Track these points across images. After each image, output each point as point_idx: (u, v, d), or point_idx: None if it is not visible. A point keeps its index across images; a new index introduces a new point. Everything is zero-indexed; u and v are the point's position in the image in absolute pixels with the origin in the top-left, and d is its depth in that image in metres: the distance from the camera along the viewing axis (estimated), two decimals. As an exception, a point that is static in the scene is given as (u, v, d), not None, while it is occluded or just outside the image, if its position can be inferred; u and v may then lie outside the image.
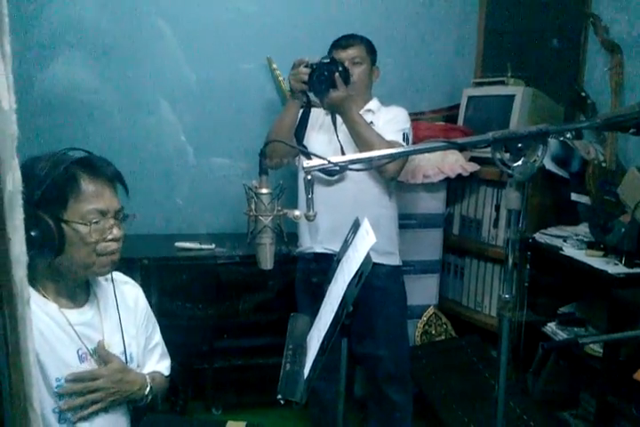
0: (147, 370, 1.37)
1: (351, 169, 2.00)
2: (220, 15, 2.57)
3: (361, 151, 2.00)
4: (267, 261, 1.18)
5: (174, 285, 2.36)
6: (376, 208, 2.08)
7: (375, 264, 2.02)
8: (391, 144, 2.00)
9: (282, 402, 1.00)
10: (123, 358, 1.28)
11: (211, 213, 2.60)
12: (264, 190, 1.15)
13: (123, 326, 1.27)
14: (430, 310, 2.60)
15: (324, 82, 1.95)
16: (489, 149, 2.62)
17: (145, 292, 2.30)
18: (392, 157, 1.16)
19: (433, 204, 2.57)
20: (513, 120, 2.48)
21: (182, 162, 2.59)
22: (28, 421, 0.60)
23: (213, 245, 2.39)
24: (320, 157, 1.16)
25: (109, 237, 1.17)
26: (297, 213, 1.17)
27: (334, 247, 2.05)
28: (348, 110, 1.99)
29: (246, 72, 2.60)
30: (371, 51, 2.15)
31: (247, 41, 2.59)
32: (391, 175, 2.05)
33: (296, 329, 1.28)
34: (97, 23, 2.45)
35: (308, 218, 1.18)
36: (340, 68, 1.99)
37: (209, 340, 2.51)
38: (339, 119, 2.04)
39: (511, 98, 2.51)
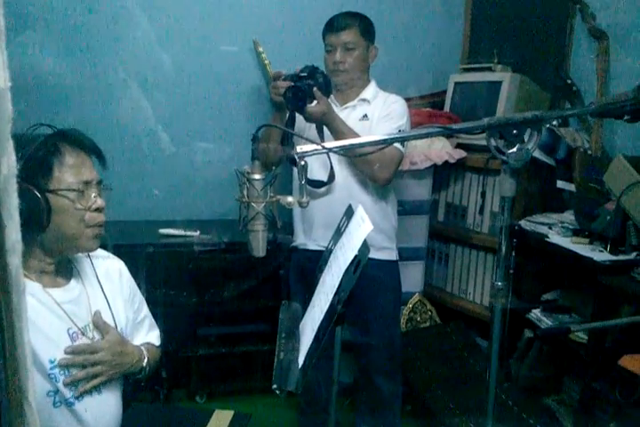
0: (138, 342, 1.36)
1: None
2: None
3: (353, 161, 1.98)
4: (259, 248, 1.16)
5: (158, 272, 2.32)
6: (371, 205, 2.05)
7: (371, 259, 2.06)
8: (385, 152, 1.92)
9: (278, 392, 0.99)
10: None
11: (195, 200, 2.56)
12: (257, 176, 1.12)
13: (110, 302, 1.25)
14: (415, 297, 2.60)
15: (302, 97, 1.88)
16: (476, 136, 2.63)
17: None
18: (384, 143, 1.13)
19: (419, 191, 2.55)
20: (500, 107, 2.47)
21: (165, 147, 2.54)
22: (24, 414, 0.57)
23: (198, 232, 2.36)
24: (312, 142, 1.13)
25: (94, 206, 1.16)
26: (290, 199, 1.15)
27: (326, 244, 2.04)
28: (332, 121, 1.92)
29: (232, 55, 2.54)
30: (366, 31, 2.05)
31: (233, 23, 2.53)
32: (382, 183, 2.02)
33: (288, 317, 1.26)
34: (68, 3, 2.37)
35: (300, 204, 1.15)
36: (320, 79, 1.93)
37: (193, 327, 2.48)
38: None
39: (498, 84, 2.50)
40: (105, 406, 1.22)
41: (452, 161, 2.42)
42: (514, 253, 2.29)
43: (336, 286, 1.00)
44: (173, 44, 2.48)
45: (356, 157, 1.95)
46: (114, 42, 2.43)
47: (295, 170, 2.11)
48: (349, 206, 1.22)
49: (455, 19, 2.85)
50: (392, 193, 2.18)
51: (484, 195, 2.50)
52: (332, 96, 2.09)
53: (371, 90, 2.10)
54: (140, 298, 1.39)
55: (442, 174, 2.65)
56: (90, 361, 1.16)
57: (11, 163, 0.50)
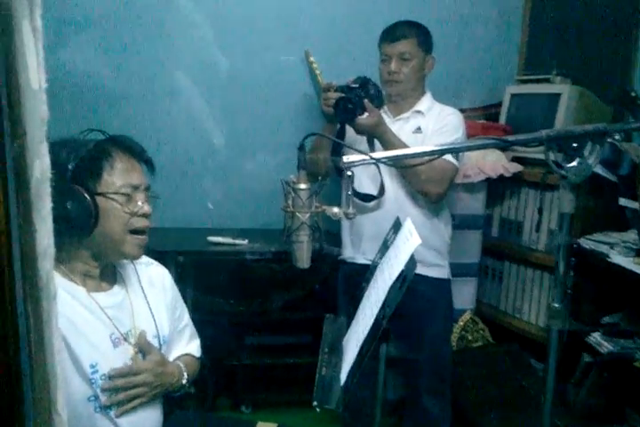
0: (178, 352, 1.36)
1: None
2: (259, 4, 2.52)
3: (403, 174, 1.94)
4: (303, 259, 1.13)
5: (206, 279, 2.33)
6: (423, 220, 2.01)
7: (421, 276, 2.01)
8: (436, 166, 1.84)
9: (317, 409, 0.95)
10: (156, 342, 1.25)
11: (244, 208, 2.56)
12: (302, 186, 1.10)
13: (153, 308, 1.25)
14: (467, 315, 2.52)
15: (352, 109, 1.85)
16: (533, 149, 2.54)
17: (177, 285, 2.29)
18: (434, 155, 1.09)
19: (472, 204, 2.48)
20: (558, 119, 2.38)
21: (215, 155, 2.56)
22: (53, 425, 0.56)
23: (246, 241, 2.36)
24: (360, 152, 1.11)
25: (140, 211, 1.16)
26: (335, 210, 1.12)
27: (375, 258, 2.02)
28: (383, 134, 1.88)
29: (283, 64, 2.55)
30: (423, 41, 2.00)
31: (286, 32, 2.54)
32: (434, 199, 1.97)
33: (332, 331, 1.23)
34: (127, 6, 2.43)
35: (346, 216, 1.13)
36: (372, 91, 1.91)
37: (239, 336, 2.48)
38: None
39: (557, 96, 2.41)
40: (145, 419, 1.21)
41: (507, 175, 2.35)
42: (572, 273, 2.19)
43: (381, 301, 0.96)
44: (225, 53, 2.50)
45: (406, 171, 1.91)
46: (166, 49, 2.48)
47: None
48: (397, 219, 1.18)
49: (512, 28, 2.77)
50: (445, 208, 2.12)
51: (541, 211, 2.41)
52: (384, 107, 2.06)
53: (426, 101, 2.05)
54: (181, 306, 1.38)
55: (496, 188, 2.57)
56: (131, 384, 1.16)
57: (44, 167, 0.49)
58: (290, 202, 1.11)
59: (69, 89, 2.38)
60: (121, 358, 1.17)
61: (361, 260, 2.05)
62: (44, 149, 0.50)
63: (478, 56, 2.75)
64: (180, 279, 2.29)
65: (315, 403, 0.96)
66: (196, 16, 2.46)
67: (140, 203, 1.16)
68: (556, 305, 1.19)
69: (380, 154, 1.11)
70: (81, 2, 2.38)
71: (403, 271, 0.93)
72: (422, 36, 2.01)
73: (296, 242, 1.12)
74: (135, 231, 1.16)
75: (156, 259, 2.24)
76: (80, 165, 1.09)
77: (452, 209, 2.45)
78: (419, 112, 2.04)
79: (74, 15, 2.39)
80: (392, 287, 0.94)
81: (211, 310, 2.37)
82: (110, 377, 1.13)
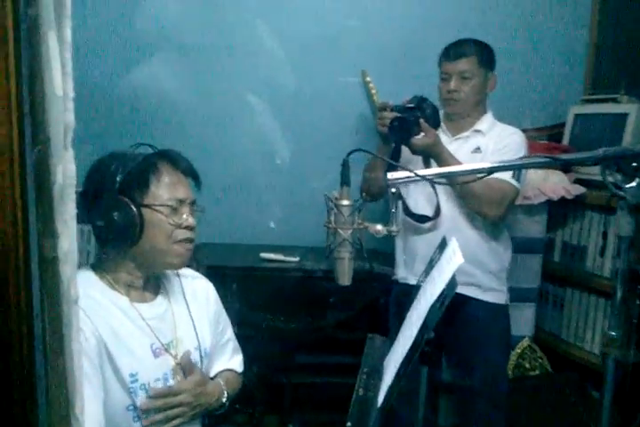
0: (220, 367, 1.36)
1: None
2: (319, 26, 2.55)
3: (460, 195, 1.90)
4: (345, 276, 1.12)
5: (257, 295, 2.34)
6: (480, 243, 1.96)
7: (478, 300, 1.95)
8: (494, 187, 1.84)
9: (351, 431, 0.93)
10: (197, 354, 1.26)
11: (297, 225, 2.57)
12: (345, 202, 1.09)
13: (195, 321, 1.26)
14: (525, 342, 2.42)
15: (408, 129, 1.84)
16: (597, 171, 2.43)
17: (228, 300, 2.31)
18: (483, 172, 1.06)
19: (532, 227, 2.39)
20: (625, 140, 2.28)
21: (273, 173, 2.59)
22: (70, 428, 0.56)
23: (298, 258, 2.36)
24: (406, 169, 1.09)
25: (185, 224, 1.18)
26: (379, 227, 1.11)
27: None
28: (439, 154, 1.84)
29: (340, 84, 2.56)
30: (485, 60, 1.96)
31: (344, 53, 2.56)
32: (492, 220, 1.92)
33: (373, 352, 1.20)
34: (192, 26, 2.51)
35: (390, 233, 1.10)
36: (428, 110, 1.88)
37: (288, 354, 2.47)
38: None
39: (624, 117, 2.31)
40: None
41: (568, 197, 2.25)
42: (638, 301, 2.07)
43: (421, 322, 0.93)
44: (284, 74, 2.54)
45: (463, 191, 1.87)
46: (232, 69, 2.54)
47: (400, 201, 2.08)
48: (443, 239, 1.15)
49: (578, 47, 2.69)
50: (504, 232, 2.05)
51: (605, 235, 2.29)
52: (443, 126, 2.03)
53: (486, 121, 2.01)
54: (225, 320, 1.39)
55: (558, 211, 2.47)
56: (170, 404, 1.17)
57: (68, 173, 0.50)
58: (332, 218, 1.10)
59: (144, 106, 2.49)
60: (161, 368, 1.18)
61: (413, 281, 2.00)
62: (68, 156, 0.51)
63: (542, 75, 2.67)
64: (231, 294, 2.34)
65: (348, 424, 0.93)
66: (259, 37, 2.52)
67: (184, 216, 1.18)
68: (613, 333, 1.11)
69: (426, 171, 1.09)
70: (156, 24, 2.48)
71: (443, 291, 0.90)
72: (484, 54, 1.97)
73: (337, 259, 1.11)
74: (179, 243, 1.18)
75: (209, 273, 2.28)
76: (128, 178, 1.13)
77: (511, 232, 2.37)
78: (478, 131, 2.00)
79: (148, 35, 2.49)
80: (432, 307, 0.91)
81: (261, 326, 2.38)
82: (150, 397, 1.14)
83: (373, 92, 2.51)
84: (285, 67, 2.56)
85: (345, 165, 1.10)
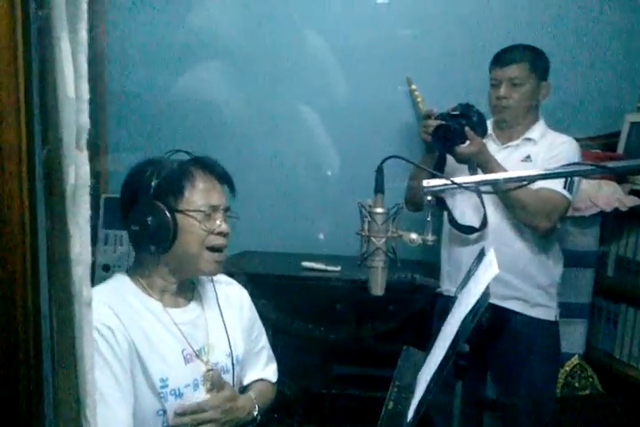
0: (254, 376, 1.36)
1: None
2: (365, 34, 2.55)
3: (507, 205, 1.85)
4: (377, 286, 1.10)
5: (297, 304, 2.33)
6: (529, 256, 1.90)
7: (525, 316, 1.88)
8: (544, 197, 1.79)
9: (376, 445, 0.90)
10: (229, 361, 1.25)
11: (340, 234, 2.55)
12: (379, 210, 1.07)
13: (228, 327, 1.26)
14: (574, 360, 2.31)
15: (452, 137, 1.80)
16: (656, 182, 2.31)
17: (268, 309, 2.31)
18: (522, 181, 1.02)
19: (584, 240, 2.30)
20: (685, 150, 2.18)
21: (317, 182, 2.59)
22: (80, 431, 0.56)
23: (339, 268, 2.34)
24: (442, 176, 1.06)
25: (218, 230, 1.19)
26: (414, 236, 1.08)
27: None
28: (485, 163, 1.79)
29: (385, 91, 2.54)
30: (537, 66, 1.90)
31: (390, 60, 2.54)
32: (542, 232, 1.84)
33: (407, 364, 1.17)
34: (240, 35, 2.53)
35: (425, 242, 1.07)
36: (474, 118, 1.84)
37: (328, 364, 2.44)
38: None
39: (684, 125, 2.20)
40: None
41: (623, 209, 2.16)
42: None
43: (454, 335, 0.90)
44: (330, 82, 2.54)
45: (510, 202, 1.81)
46: (277, 75, 2.56)
47: (443, 210, 2.03)
48: (482, 249, 1.11)
49: (634, 54, 2.58)
50: (555, 245, 1.97)
51: (663, 249, 2.18)
52: (492, 134, 1.98)
53: (538, 129, 1.94)
54: (259, 328, 1.38)
55: (612, 224, 2.36)
56: (197, 420, 1.16)
57: (81, 174, 0.50)
58: (365, 226, 1.08)
59: (191, 114, 2.55)
60: (192, 374, 1.18)
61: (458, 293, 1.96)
62: (82, 157, 0.51)
63: (597, 82, 2.58)
64: (272, 303, 2.33)
65: (375, 438, 0.91)
66: (306, 46, 2.53)
67: (217, 222, 1.19)
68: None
69: (463, 179, 1.06)
70: (204, 33, 2.52)
71: (477, 303, 0.86)
72: (536, 60, 1.91)
73: (371, 268, 1.09)
74: (212, 249, 1.18)
75: (249, 281, 2.28)
76: (163, 184, 1.14)
77: (561, 244, 2.29)
78: (529, 140, 1.93)
79: (196, 44, 2.54)
80: (465, 320, 0.88)
81: (301, 335, 2.36)
82: (177, 414, 1.14)
83: (419, 100, 2.48)
84: (332, 76, 2.56)
85: (379, 172, 1.08)
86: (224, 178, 1.24)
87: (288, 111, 2.57)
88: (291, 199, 2.63)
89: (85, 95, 0.51)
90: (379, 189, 1.08)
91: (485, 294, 0.85)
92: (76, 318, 0.52)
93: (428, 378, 0.91)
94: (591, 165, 1.01)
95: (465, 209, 1.96)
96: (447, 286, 2.05)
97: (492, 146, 1.96)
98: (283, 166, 2.62)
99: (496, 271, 0.89)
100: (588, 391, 2.28)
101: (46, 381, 0.42)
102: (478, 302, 0.86)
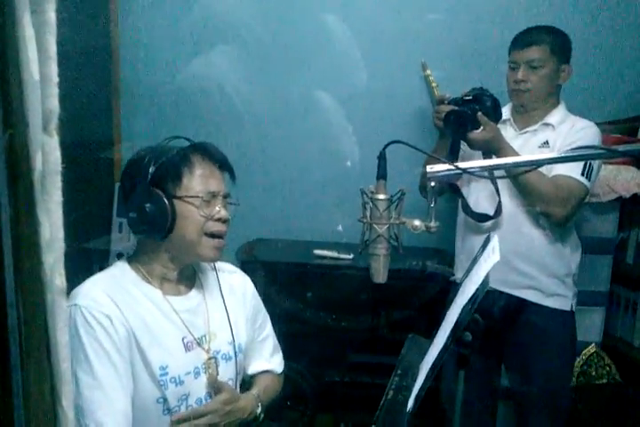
0: (259, 366, 1.35)
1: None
2: (376, 16, 2.50)
3: (521, 193, 1.80)
4: (379, 273, 1.08)
5: (309, 292, 2.33)
6: (545, 245, 1.85)
7: (539, 305, 1.85)
8: (561, 185, 1.74)
9: (374, 434, 0.89)
10: (231, 349, 1.25)
11: (351, 222, 2.54)
12: (380, 196, 1.05)
13: (230, 315, 1.25)
14: (591, 349, 2.28)
15: (463, 123, 1.75)
16: (676, 167, 2.24)
17: (280, 296, 2.31)
18: (530, 165, 0.99)
19: (601, 227, 2.25)
20: None
21: (330, 170, 2.57)
22: (57, 420, 0.56)
23: (352, 255, 2.33)
24: (446, 162, 1.03)
25: (217, 216, 1.18)
26: (417, 223, 1.06)
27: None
28: (499, 150, 1.73)
29: (399, 76, 2.50)
30: (558, 49, 1.83)
31: (404, 44, 2.49)
32: (558, 221, 1.79)
33: (410, 353, 1.16)
34: (256, 20, 2.50)
35: (429, 229, 1.05)
36: (488, 103, 1.78)
37: (342, 353, 2.44)
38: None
39: None
40: None
41: (642, 194, 2.10)
42: None
43: (453, 323, 0.88)
44: (345, 67, 2.51)
45: (525, 189, 1.77)
46: (291, 62, 2.53)
47: (460, 199, 2.00)
48: (488, 236, 1.08)
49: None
50: (573, 233, 1.92)
51: (684, 236, 2.12)
52: (510, 119, 1.93)
53: (558, 114, 1.88)
54: (263, 316, 1.38)
55: (632, 210, 2.31)
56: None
57: (51, 159, 0.49)
58: (367, 213, 1.06)
59: (206, 101, 2.53)
60: (192, 362, 1.18)
61: None
62: (52, 143, 0.50)
63: (617, 65, 2.50)
64: (284, 291, 2.33)
65: (373, 427, 0.90)
66: (321, 32, 2.49)
67: (216, 208, 1.18)
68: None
69: (468, 164, 1.03)
70: (220, 18, 2.50)
71: (476, 291, 0.84)
72: (557, 42, 1.84)
73: (372, 255, 1.07)
74: (211, 235, 1.17)
75: (260, 268, 2.28)
76: (161, 170, 1.13)
77: (578, 231, 2.24)
78: (548, 125, 1.87)
79: (212, 29, 2.51)
80: (464, 308, 0.86)
81: (313, 323, 2.36)
82: (174, 422, 1.14)
83: (434, 85, 2.43)
84: (348, 61, 2.52)
85: (381, 158, 1.06)
86: (224, 164, 1.22)
87: (303, 98, 2.54)
88: (304, 186, 2.61)
89: (54, 78, 0.50)
90: (381, 174, 1.06)
91: (485, 282, 0.83)
92: (48, 306, 0.51)
93: (428, 366, 0.90)
94: (601, 148, 0.97)
95: (480, 197, 1.92)
96: (461, 274, 2.03)
97: (510, 131, 1.91)
98: (297, 153, 2.60)
99: (497, 258, 0.87)
100: (604, 380, 2.24)
101: (14, 370, 0.42)
102: (478, 289, 0.84)
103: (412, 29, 2.49)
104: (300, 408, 2.38)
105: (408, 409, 0.91)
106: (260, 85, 2.55)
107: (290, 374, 2.34)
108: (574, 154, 0.99)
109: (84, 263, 2.31)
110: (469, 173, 0.98)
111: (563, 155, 0.98)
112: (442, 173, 1.03)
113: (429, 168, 1.04)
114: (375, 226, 1.04)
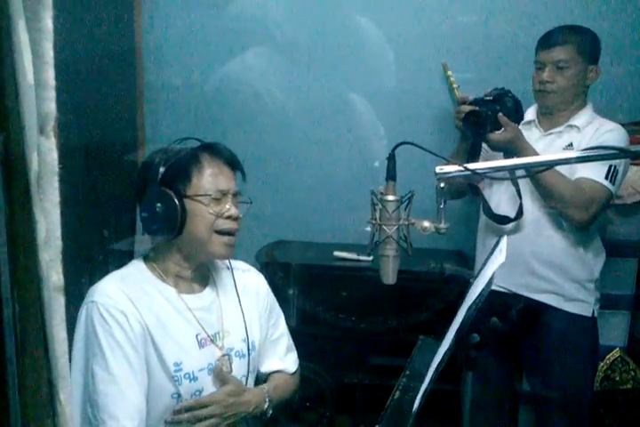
0: (272, 365, 1.36)
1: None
2: (401, 19, 2.50)
3: (542, 195, 1.78)
4: (389, 274, 1.08)
5: (328, 294, 2.33)
6: (566, 248, 1.82)
7: (559, 310, 1.82)
8: (584, 188, 1.70)
9: (378, 434, 0.89)
10: (244, 346, 1.26)
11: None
12: (390, 197, 1.05)
13: (244, 313, 1.26)
14: (616, 353, 2.23)
15: (483, 124, 1.72)
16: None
17: (299, 298, 2.32)
18: (540, 166, 0.98)
19: (626, 229, 2.20)
20: None
21: (346, 170, 2.57)
22: (56, 413, 0.57)
23: (371, 257, 2.32)
24: (456, 163, 1.03)
25: (226, 213, 1.19)
26: (426, 224, 1.06)
27: (506, 285, 1.87)
28: (521, 151, 1.70)
29: (420, 77, 2.49)
30: (585, 49, 1.79)
31: (425, 45, 2.48)
32: (579, 224, 1.75)
33: (420, 354, 1.15)
34: (288, 21, 2.51)
35: (438, 231, 1.05)
36: (509, 104, 1.76)
37: (361, 354, 2.44)
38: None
39: None
40: None
41: (667, 196, 2.06)
42: None
43: (458, 325, 0.88)
44: (365, 67, 2.51)
45: (546, 192, 1.74)
46: (324, 63, 2.54)
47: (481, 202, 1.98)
48: (499, 239, 1.08)
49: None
50: (597, 238, 1.89)
51: None
52: (535, 120, 1.91)
53: (584, 115, 1.84)
54: (277, 314, 1.39)
55: (658, 212, 2.26)
56: (198, 417, 1.17)
57: (48, 160, 0.50)
58: (377, 214, 1.07)
59: (237, 101, 2.55)
60: (206, 358, 1.20)
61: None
62: (49, 144, 0.52)
63: (642, 64, 2.46)
64: (303, 292, 2.34)
65: (377, 427, 0.90)
66: (351, 34, 2.50)
67: (227, 206, 1.20)
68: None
69: (477, 165, 1.03)
70: (253, 19, 2.52)
71: (481, 292, 0.84)
72: (584, 42, 1.80)
73: (382, 256, 1.07)
74: (221, 232, 1.19)
75: (280, 270, 2.29)
76: (171, 170, 1.16)
77: (602, 233, 2.20)
78: (573, 127, 1.84)
79: (245, 30, 2.53)
80: (469, 309, 0.86)
81: (332, 325, 2.36)
82: (176, 411, 1.15)
83: (454, 86, 2.42)
84: (374, 64, 2.52)
85: (391, 159, 1.06)
86: (233, 163, 1.24)
87: (327, 99, 2.54)
88: (325, 188, 2.62)
89: (51, 82, 0.52)
90: (390, 176, 1.06)
91: (489, 283, 0.83)
92: (45, 303, 0.52)
93: (434, 367, 0.90)
94: (615, 148, 0.96)
95: (501, 199, 1.90)
96: None
97: (536, 133, 1.89)
98: (318, 155, 2.61)
99: (503, 260, 0.86)
100: (629, 386, 2.20)
101: (9, 364, 0.43)
102: (483, 290, 0.84)
103: (435, 31, 2.47)
104: (319, 410, 2.39)
105: (414, 410, 0.91)
106: (286, 88, 2.57)
107: (309, 375, 2.36)
108: (588, 154, 0.97)
109: (109, 264, 2.35)
110: (478, 174, 0.98)
111: (576, 155, 0.97)
112: (451, 175, 1.03)
113: (438, 169, 1.04)
114: (384, 227, 1.04)
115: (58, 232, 0.54)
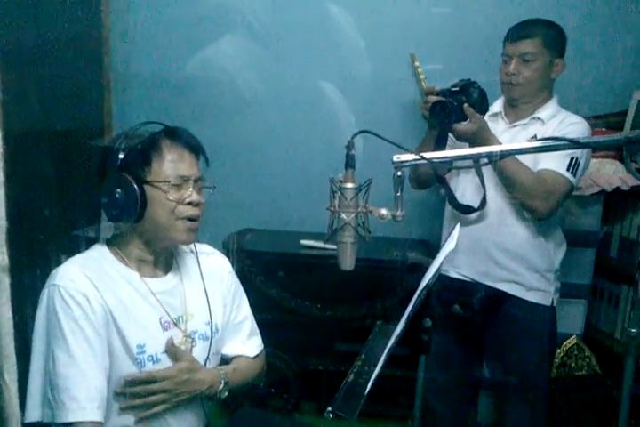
0: (234, 348, 1.36)
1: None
2: (365, 7, 2.51)
3: (505, 187, 1.81)
4: (347, 261, 1.10)
5: (295, 282, 2.35)
6: (527, 238, 1.86)
7: (519, 299, 1.87)
8: (545, 180, 1.74)
9: (330, 416, 0.92)
10: (208, 329, 1.27)
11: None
12: (348, 185, 1.07)
13: (208, 296, 1.27)
14: (572, 340, 2.30)
15: (449, 114, 1.74)
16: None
17: (267, 286, 2.33)
18: (490, 157, 1.00)
19: (584, 220, 2.27)
20: (695, 128, 2.11)
21: (315, 159, 2.58)
22: (1, 392, 0.58)
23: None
24: (412, 152, 1.05)
25: (187, 199, 1.19)
26: (384, 211, 1.08)
27: (469, 274, 1.91)
28: (485, 142, 1.72)
29: (387, 68, 2.50)
30: (552, 42, 1.82)
31: (395, 35, 2.49)
32: (540, 215, 1.78)
33: (376, 339, 1.18)
34: (261, 9, 2.51)
35: (394, 218, 1.07)
36: (475, 95, 1.78)
37: (326, 342, 2.47)
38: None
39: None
40: (182, 420, 1.24)
41: (624, 188, 2.11)
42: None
43: (409, 310, 0.90)
44: (332, 57, 2.52)
45: (507, 182, 1.77)
46: (294, 52, 2.56)
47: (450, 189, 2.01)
48: (454, 226, 1.10)
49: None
50: (558, 229, 1.93)
51: (666, 230, 2.14)
52: (502, 112, 1.94)
53: (549, 108, 1.87)
54: (241, 297, 1.40)
55: (616, 204, 2.33)
56: (147, 391, 1.16)
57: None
58: (335, 202, 1.08)
59: (209, 90, 2.54)
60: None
61: (453, 273, 1.94)
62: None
63: (603, 60, 2.51)
64: (270, 280, 2.36)
65: (329, 409, 0.92)
66: (321, 20, 2.50)
67: (188, 192, 1.19)
68: (634, 330, 1.04)
69: (432, 154, 1.05)
70: (227, 6, 2.50)
71: (432, 277, 0.86)
72: (551, 36, 1.83)
73: (340, 243, 1.09)
74: (182, 219, 1.19)
75: (247, 258, 2.29)
76: (130, 155, 1.16)
77: (562, 224, 2.26)
78: (538, 119, 1.87)
79: (218, 18, 2.51)
80: (419, 294, 0.88)
81: (299, 312, 2.39)
82: (127, 382, 1.15)
83: (422, 77, 2.44)
84: (345, 52, 2.52)
85: (349, 147, 1.08)
86: (196, 149, 1.23)
87: (297, 87, 2.55)
88: (294, 176, 2.63)
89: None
90: (349, 164, 1.08)
91: (438, 269, 0.85)
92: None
93: (385, 351, 0.92)
94: (563, 139, 0.99)
95: (466, 189, 1.93)
96: (445, 266, 2.04)
97: (502, 125, 1.92)
98: (285, 144, 2.62)
99: (452, 246, 0.89)
100: (584, 372, 2.27)
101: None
102: (433, 275, 0.86)
103: (405, 21, 2.49)
104: (284, 396, 2.42)
105: (365, 392, 0.93)
106: (255, 75, 2.56)
107: (274, 362, 2.38)
108: (540, 145, 1.00)
109: (74, 251, 2.34)
110: (433, 162, 1.00)
111: (534, 145, 0.99)
112: (409, 163, 1.05)
113: (396, 158, 1.06)
114: (342, 214, 1.06)
115: (2, 213, 0.54)
